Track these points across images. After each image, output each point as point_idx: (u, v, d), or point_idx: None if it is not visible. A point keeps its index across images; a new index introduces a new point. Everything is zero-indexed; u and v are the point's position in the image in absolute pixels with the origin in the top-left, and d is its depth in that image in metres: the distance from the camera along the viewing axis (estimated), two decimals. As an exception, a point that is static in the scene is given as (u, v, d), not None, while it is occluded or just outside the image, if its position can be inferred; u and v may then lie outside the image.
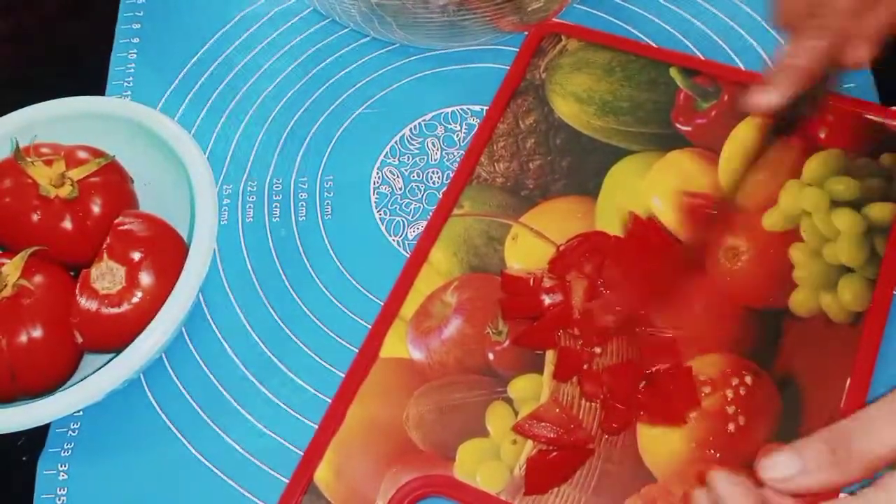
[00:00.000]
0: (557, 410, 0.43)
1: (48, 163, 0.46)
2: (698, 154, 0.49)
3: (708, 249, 0.47)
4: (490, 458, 0.42)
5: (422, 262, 0.48)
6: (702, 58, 0.54)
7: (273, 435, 0.45)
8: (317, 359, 0.47)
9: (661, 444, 0.42)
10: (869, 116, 0.49)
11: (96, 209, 0.46)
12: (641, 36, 0.55)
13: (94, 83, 0.56)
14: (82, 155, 0.47)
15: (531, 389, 0.44)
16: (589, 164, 0.50)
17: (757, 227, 0.47)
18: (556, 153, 0.51)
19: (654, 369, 0.43)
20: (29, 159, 0.46)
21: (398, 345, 0.45)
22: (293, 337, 0.48)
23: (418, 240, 0.49)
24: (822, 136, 0.49)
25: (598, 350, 0.44)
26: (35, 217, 0.45)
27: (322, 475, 0.42)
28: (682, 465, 0.41)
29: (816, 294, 0.45)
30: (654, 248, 0.47)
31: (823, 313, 0.45)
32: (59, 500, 0.44)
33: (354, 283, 0.49)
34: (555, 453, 0.42)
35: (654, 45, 0.54)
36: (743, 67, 0.53)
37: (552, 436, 0.42)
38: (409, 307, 0.46)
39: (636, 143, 0.50)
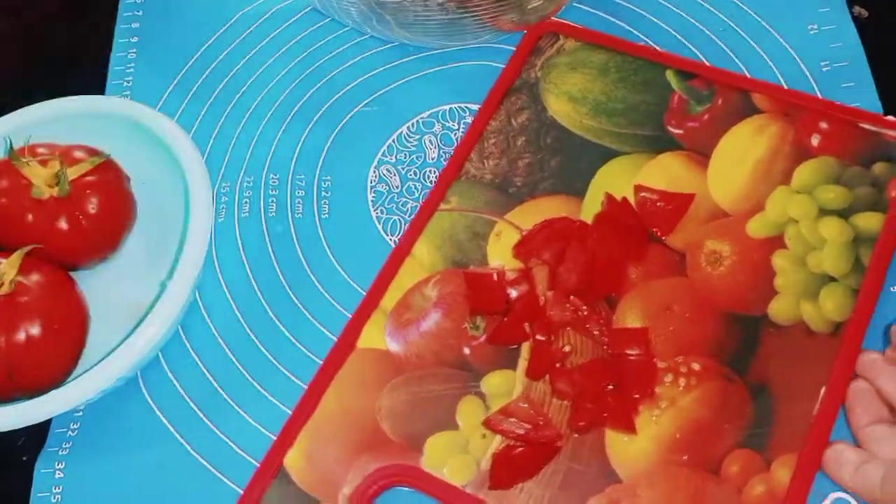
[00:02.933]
0: (527, 407, 0.43)
1: (43, 163, 0.45)
2: (688, 157, 0.49)
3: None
4: (458, 452, 0.43)
5: (405, 254, 0.48)
6: (698, 61, 0.53)
7: (270, 434, 0.45)
8: (314, 358, 0.47)
9: (628, 446, 0.42)
10: (864, 125, 0.48)
11: (92, 209, 0.46)
12: (640, 36, 0.55)
13: (93, 83, 0.56)
14: (78, 154, 0.46)
15: (504, 385, 0.44)
16: (578, 164, 0.50)
17: (741, 232, 0.47)
18: (545, 152, 0.51)
19: (622, 353, 0.43)
20: (24, 159, 0.45)
21: (376, 336, 0.46)
22: (289, 335, 0.48)
23: (404, 232, 0.49)
24: (815, 143, 0.48)
25: (567, 348, 0.44)
26: (30, 217, 0.45)
27: (292, 460, 0.43)
28: (649, 468, 0.42)
29: (797, 302, 0.44)
30: (627, 228, 0.47)
31: (803, 322, 0.44)
32: (55, 497, 0.44)
33: (350, 281, 0.49)
34: (521, 449, 0.42)
35: (652, 45, 0.54)
36: (742, 68, 0.52)
37: (520, 432, 0.43)
38: (390, 299, 0.47)
39: (627, 145, 0.50)
